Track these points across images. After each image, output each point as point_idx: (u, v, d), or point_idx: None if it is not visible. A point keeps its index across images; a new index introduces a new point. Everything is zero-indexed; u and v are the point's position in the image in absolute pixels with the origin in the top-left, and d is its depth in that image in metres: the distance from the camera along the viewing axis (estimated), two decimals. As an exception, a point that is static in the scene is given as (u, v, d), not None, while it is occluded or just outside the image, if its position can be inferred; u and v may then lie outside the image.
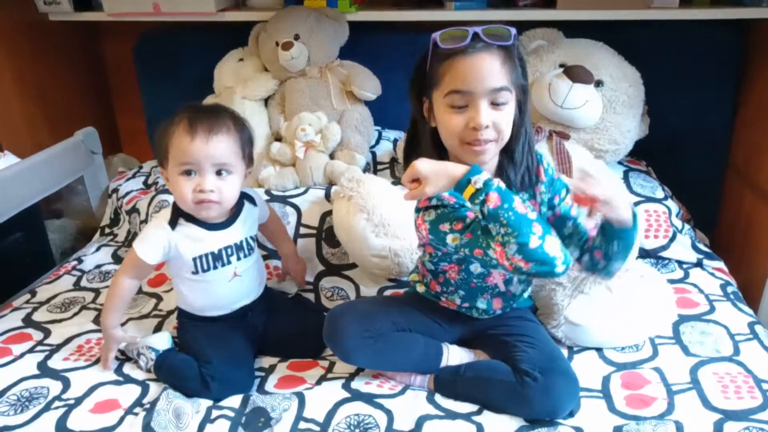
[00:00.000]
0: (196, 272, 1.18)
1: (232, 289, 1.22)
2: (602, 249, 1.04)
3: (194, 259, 1.17)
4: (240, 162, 1.16)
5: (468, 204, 0.97)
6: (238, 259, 1.21)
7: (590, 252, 1.06)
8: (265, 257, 1.46)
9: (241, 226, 1.21)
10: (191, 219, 1.17)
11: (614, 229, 1.01)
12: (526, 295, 1.21)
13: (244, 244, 1.22)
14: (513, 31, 0.98)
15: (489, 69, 0.96)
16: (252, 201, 1.27)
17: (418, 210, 1.06)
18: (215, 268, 1.18)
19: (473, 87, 0.96)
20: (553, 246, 0.92)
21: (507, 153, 1.05)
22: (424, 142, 1.07)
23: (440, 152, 1.05)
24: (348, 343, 1.09)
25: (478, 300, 1.14)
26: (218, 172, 1.13)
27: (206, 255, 1.17)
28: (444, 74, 0.98)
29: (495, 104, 0.98)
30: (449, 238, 1.00)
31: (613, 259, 1.04)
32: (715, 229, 1.76)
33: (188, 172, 1.12)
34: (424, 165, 0.96)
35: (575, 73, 1.51)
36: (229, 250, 1.19)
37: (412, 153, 1.09)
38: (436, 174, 0.96)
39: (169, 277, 1.51)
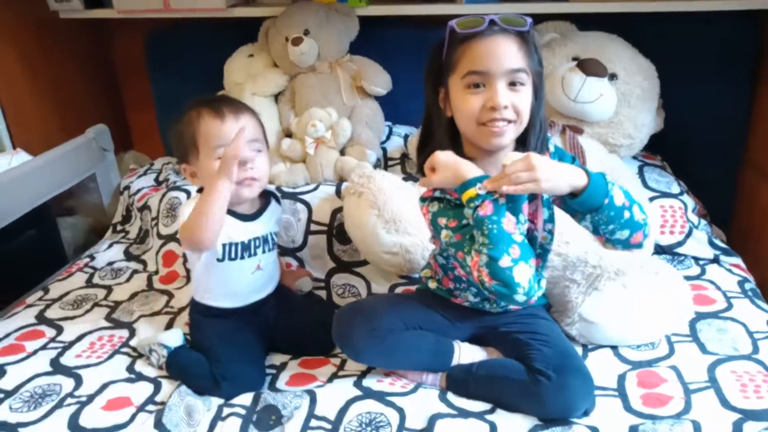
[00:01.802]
0: (222, 259, 1.18)
1: (252, 281, 1.23)
2: (594, 224, 0.99)
3: (224, 245, 1.17)
4: (264, 141, 1.19)
5: (465, 204, 0.96)
6: (263, 252, 1.23)
7: (596, 225, 1.00)
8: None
9: (267, 220, 1.24)
10: None
11: (568, 204, 0.97)
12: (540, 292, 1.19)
13: (269, 238, 1.24)
14: (529, 19, 0.98)
15: (505, 50, 0.97)
16: (277, 200, 1.30)
17: (423, 200, 1.06)
18: (242, 258, 1.20)
19: (490, 67, 0.96)
20: (522, 273, 0.91)
21: (521, 143, 1.04)
22: (439, 132, 1.05)
23: (455, 143, 1.04)
24: (357, 344, 1.09)
25: None
26: None
27: (236, 244, 1.19)
28: (461, 57, 0.98)
29: (512, 85, 0.98)
30: (443, 234, 1.00)
31: (608, 231, 0.98)
32: (731, 225, 1.73)
33: None
34: (441, 155, 0.99)
35: (589, 67, 1.49)
36: (256, 242, 1.21)
37: (426, 145, 1.08)
38: (446, 166, 0.98)
39: (182, 274, 1.52)
